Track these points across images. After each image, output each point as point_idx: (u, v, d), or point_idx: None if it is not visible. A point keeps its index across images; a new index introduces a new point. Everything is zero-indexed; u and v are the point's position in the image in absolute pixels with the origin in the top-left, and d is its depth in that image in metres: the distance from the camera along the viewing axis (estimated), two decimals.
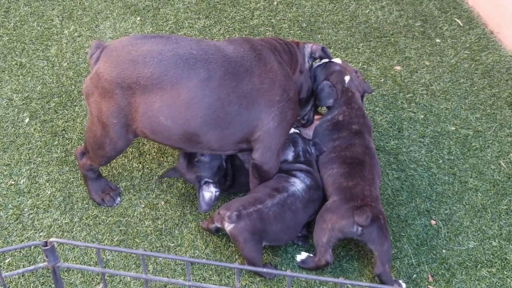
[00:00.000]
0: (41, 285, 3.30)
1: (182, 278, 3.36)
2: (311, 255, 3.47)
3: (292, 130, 3.72)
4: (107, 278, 3.37)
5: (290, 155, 3.57)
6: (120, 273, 1.75)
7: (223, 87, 3.24)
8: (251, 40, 3.50)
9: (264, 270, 1.75)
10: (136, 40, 3.31)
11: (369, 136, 3.65)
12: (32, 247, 3.48)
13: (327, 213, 3.32)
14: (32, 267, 1.83)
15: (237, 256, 3.49)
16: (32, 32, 4.75)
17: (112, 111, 3.29)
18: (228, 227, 3.28)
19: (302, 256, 3.48)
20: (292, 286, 3.31)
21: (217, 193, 3.57)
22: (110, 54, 3.29)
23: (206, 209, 3.54)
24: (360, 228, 3.23)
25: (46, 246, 1.79)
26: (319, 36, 4.80)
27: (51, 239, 1.78)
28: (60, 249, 3.48)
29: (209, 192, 3.56)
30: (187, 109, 3.21)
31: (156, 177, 3.82)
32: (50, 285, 3.30)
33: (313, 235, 3.38)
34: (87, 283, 3.33)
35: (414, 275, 3.44)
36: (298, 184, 3.46)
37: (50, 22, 4.85)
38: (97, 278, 3.37)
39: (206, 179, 3.57)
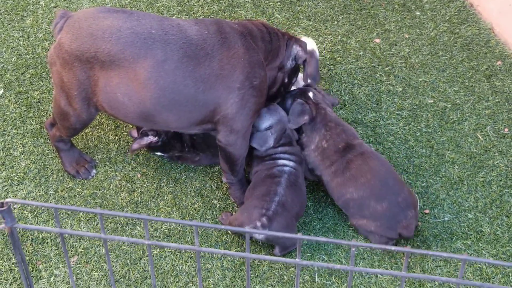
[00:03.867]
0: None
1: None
2: None
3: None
4: (82, 251, 3.36)
5: (271, 142, 3.52)
6: (78, 233, 1.75)
7: (179, 70, 3.18)
8: (221, 22, 3.38)
9: (223, 227, 1.78)
10: (99, 13, 3.27)
11: (357, 139, 3.59)
12: None
13: (372, 235, 3.45)
14: None
15: (215, 231, 3.49)
16: (7, 2, 4.66)
17: (72, 83, 3.27)
18: (261, 235, 3.22)
19: None
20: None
21: (155, 141, 3.63)
22: (72, 26, 3.26)
23: (134, 148, 3.61)
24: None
25: (3, 207, 1.78)
26: (299, 8, 4.76)
27: (7, 200, 1.77)
28: (34, 221, 3.46)
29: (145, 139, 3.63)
30: (143, 89, 3.19)
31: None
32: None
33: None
34: (62, 255, 3.32)
35: None
36: (287, 163, 3.46)
37: None
38: (71, 250, 3.35)
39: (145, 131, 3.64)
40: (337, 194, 3.50)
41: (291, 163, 3.45)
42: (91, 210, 1.73)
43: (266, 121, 3.51)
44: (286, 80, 3.67)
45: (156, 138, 3.63)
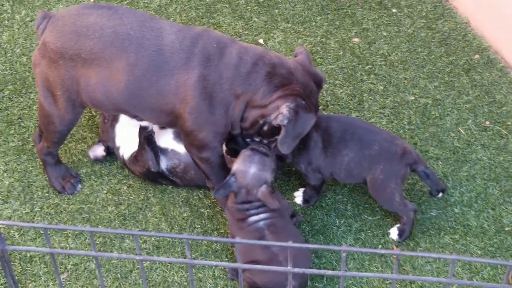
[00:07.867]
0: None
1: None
2: (398, 225, 3.52)
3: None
4: (72, 267, 3.34)
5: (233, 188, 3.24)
6: (68, 252, 1.74)
7: (145, 79, 3.16)
8: (202, 37, 3.18)
9: (214, 238, 1.78)
10: (83, 9, 3.27)
11: None
12: None
13: (385, 182, 3.38)
14: None
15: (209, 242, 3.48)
16: None
17: (56, 82, 3.28)
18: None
19: (394, 231, 3.51)
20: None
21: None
22: (56, 23, 3.26)
23: (92, 158, 3.80)
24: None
25: None
26: (277, 11, 4.76)
27: None
28: (21, 240, 3.43)
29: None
30: (116, 90, 3.22)
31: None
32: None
33: (386, 207, 3.51)
34: (51, 273, 3.30)
35: (379, 246, 3.48)
36: (257, 218, 3.23)
37: (0, 8, 4.73)
38: (61, 267, 3.33)
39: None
40: (338, 166, 3.43)
41: (261, 216, 3.22)
42: (80, 228, 1.73)
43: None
44: (265, 128, 3.21)
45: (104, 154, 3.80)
